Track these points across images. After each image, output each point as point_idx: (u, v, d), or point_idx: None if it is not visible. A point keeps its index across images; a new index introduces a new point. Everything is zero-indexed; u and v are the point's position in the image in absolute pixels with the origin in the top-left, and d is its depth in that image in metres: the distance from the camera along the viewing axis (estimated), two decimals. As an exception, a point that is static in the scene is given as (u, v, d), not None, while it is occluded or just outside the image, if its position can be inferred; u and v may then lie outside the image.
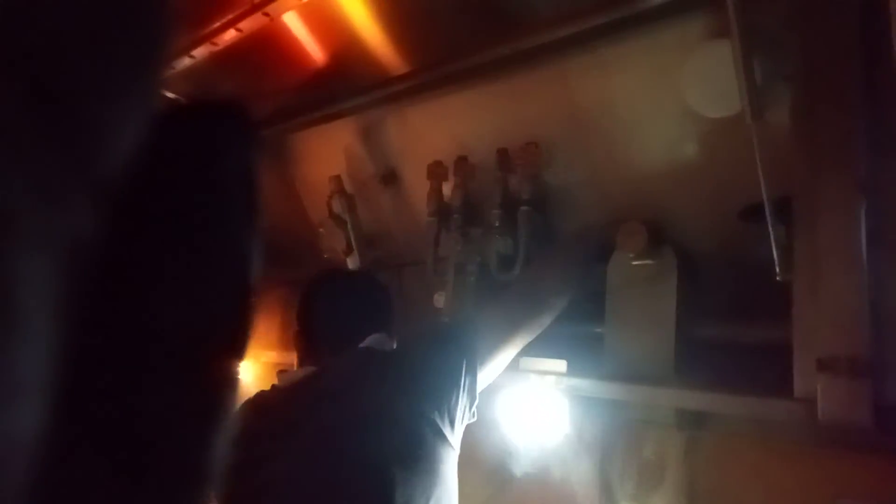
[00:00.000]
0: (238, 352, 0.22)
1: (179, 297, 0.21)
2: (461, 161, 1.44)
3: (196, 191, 0.22)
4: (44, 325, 0.15)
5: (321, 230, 1.73)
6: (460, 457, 1.04)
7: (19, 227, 0.14)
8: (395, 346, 1.18)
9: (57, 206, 0.15)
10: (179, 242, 0.21)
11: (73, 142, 0.15)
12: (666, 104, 1.17)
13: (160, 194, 0.20)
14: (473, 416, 1.09)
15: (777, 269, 0.93)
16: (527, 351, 1.17)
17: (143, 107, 0.17)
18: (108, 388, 0.19)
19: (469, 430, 1.09)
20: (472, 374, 1.07)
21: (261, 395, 1.13)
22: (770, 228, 0.92)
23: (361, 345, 1.12)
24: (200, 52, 1.32)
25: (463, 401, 1.05)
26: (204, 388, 0.21)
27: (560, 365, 1.13)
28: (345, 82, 1.52)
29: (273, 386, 1.13)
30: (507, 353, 1.14)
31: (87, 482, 0.19)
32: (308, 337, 1.18)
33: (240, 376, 0.22)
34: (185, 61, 1.35)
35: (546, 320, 1.17)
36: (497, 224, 1.38)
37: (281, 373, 1.15)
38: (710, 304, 1.20)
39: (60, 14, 0.15)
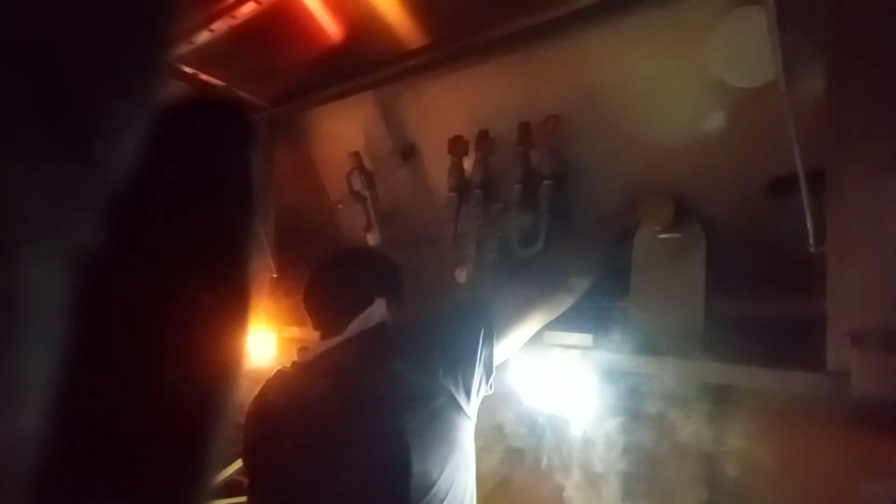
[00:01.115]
0: (236, 349, 0.22)
1: (177, 295, 0.21)
2: (482, 135, 1.43)
3: (194, 189, 0.22)
4: (47, 325, 0.15)
5: (340, 207, 1.73)
6: (487, 429, 1.04)
7: (24, 226, 0.14)
8: (399, 313, 1.18)
9: (63, 206, 0.15)
10: (177, 239, 0.21)
11: (78, 142, 0.15)
12: (689, 75, 1.14)
13: (158, 193, 0.20)
14: (490, 388, 1.10)
15: (811, 242, 0.91)
16: (552, 325, 1.16)
17: (146, 107, 0.17)
18: (108, 387, 0.19)
19: (494, 403, 1.09)
20: (490, 345, 1.08)
21: (280, 373, 1.15)
22: (804, 199, 0.90)
23: (364, 311, 1.12)
24: (219, 25, 1.31)
25: (479, 371, 1.06)
26: (203, 387, 0.22)
27: (585, 339, 1.13)
28: (363, 57, 1.50)
29: (293, 362, 1.14)
30: (524, 329, 1.14)
31: (86, 481, 0.19)
32: (314, 310, 1.19)
33: (239, 375, 0.23)
34: (205, 35, 1.34)
35: (567, 301, 1.17)
36: (518, 199, 1.37)
37: (301, 349, 1.17)
38: (735, 278, 1.18)
39: (64, 15, 0.15)
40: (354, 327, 1.11)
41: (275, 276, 1.81)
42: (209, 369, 0.22)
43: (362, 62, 1.52)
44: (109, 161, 0.16)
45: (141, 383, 0.20)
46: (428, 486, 0.96)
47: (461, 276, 1.47)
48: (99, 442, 0.19)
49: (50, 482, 0.16)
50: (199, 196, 0.22)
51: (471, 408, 1.05)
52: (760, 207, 1.14)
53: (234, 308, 0.23)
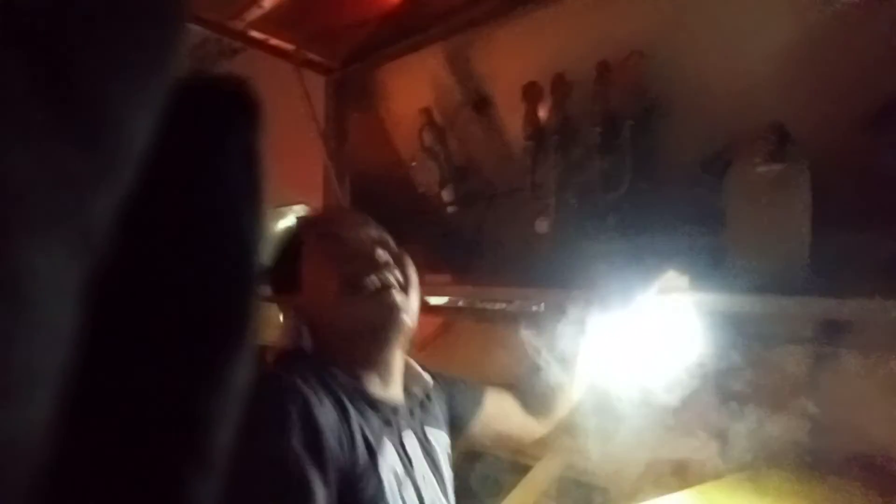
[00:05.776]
0: (243, 341, 0.22)
1: (182, 287, 0.21)
2: (558, 79, 1.38)
3: (198, 177, 0.21)
4: (54, 315, 0.14)
5: (413, 164, 1.72)
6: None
7: (30, 212, 0.13)
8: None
9: (71, 191, 0.14)
10: (181, 230, 0.21)
11: (85, 123, 0.14)
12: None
13: (161, 181, 0.20)
14: None
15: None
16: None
17: (161, 86, 0.16)
18: (117, 380, 0.19)
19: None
20: None
21: None
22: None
23: None
24: (284, -14, 1.31)
25: None
26: (210, 379, 0.21)
27: (681, 281, 1.09)
28: (429, 10, 1.47)
29: None
30: None
31: (95, 476, 0.19)
32: None
33: (249, 357, 0.22)
34: (269, -1, 1.34)
35: None
36: (598, 143, 1.32)
37: None
38: (838, 210, 1.11)
39: None
40: None
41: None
42: (214, 354, 0.21)
43: (429, 15, 1.49)
44: (121, 144, 0.15)
45: (142, 370, 0.20)
46: None
47: (542, 226, 1.45)
48: (107, 437, 0.19)
49: (55, 479, 0.16)
50: (201, 185, 0.21)
51: None
52: (866, 134, 1.06)
53: (239, 299, 0.22)
